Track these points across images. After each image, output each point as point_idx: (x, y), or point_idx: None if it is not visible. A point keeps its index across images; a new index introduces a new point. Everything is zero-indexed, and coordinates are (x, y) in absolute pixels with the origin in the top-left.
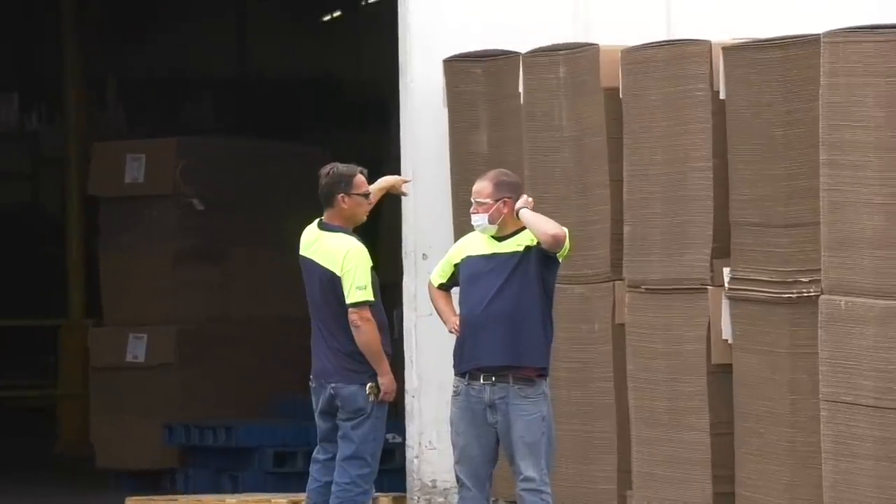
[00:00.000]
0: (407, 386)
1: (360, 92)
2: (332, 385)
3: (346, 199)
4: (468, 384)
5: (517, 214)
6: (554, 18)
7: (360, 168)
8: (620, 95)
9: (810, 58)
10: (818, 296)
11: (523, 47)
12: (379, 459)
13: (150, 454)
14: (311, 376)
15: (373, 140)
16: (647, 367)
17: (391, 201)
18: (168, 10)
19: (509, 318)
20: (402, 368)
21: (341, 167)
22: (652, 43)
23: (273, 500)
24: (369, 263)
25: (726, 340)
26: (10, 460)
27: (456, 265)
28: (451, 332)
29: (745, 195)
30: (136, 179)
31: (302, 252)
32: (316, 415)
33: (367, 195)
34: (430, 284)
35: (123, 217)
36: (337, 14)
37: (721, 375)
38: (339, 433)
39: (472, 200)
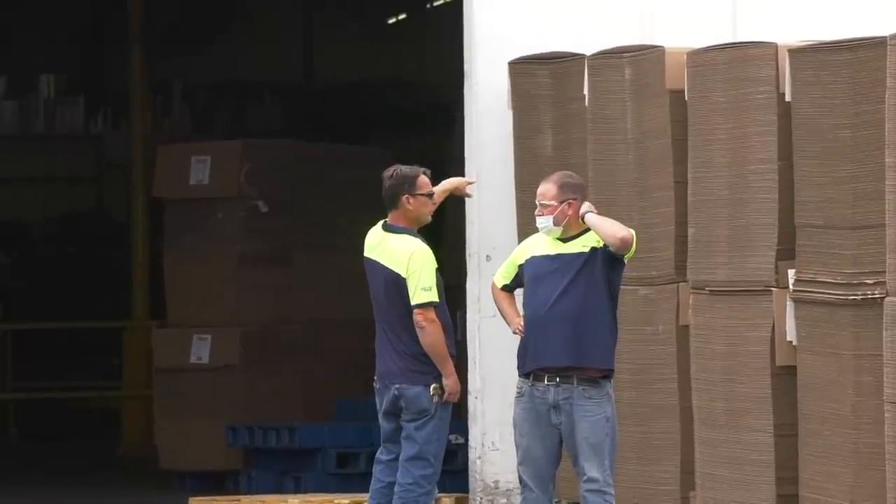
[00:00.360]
0: (470, 387)
1: (425, 94)
2: (397, 386)
3: (411, 200)
4: (532, 385)
5: (583, 219)
6: (619, 20)
7: (423, 169)
8: (685, 97)
9: (879, 59)
10: (883, 298)
11: (588, 49)
12: (442, 460)
13: (214, 456)
14: (376, 377)
15: (437, 142)
16: (711, 368)
17: (455, 203)
18: (234, 14)
19: (575, 319)
20: (466, 370)
21: (404, 168)
22: (717, 45)
23: (336, 501)
24: (434, 265)
25: (791, 342)
26: (75, 461)
27: (520, 266)
28: (514, 333)
29: (811, 197)
30: (201, 181)
31: (366, 254)
32: (380, 416)
33: (430, 195)
34: (493, 286)
35: (188, 219)
36: (402, 17)
37: (785, 377)
38: (403, 434)
39: (537, 202)
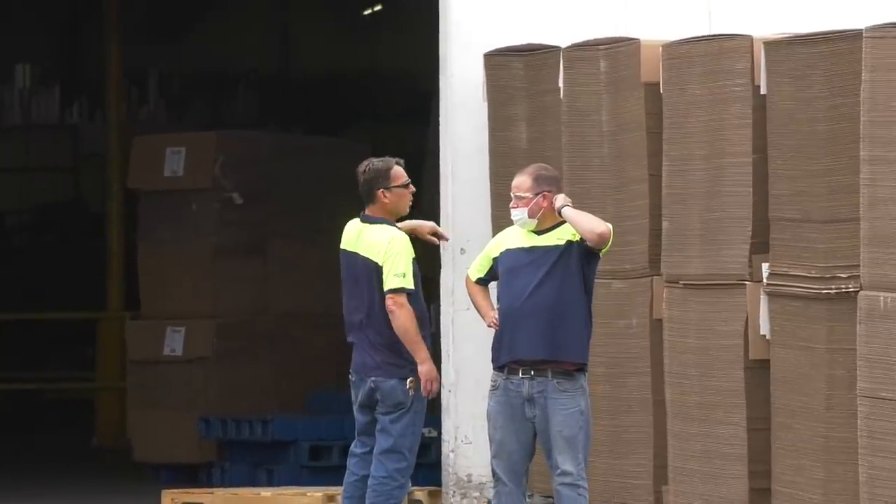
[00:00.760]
0: (444, 380)
1: (402, 86)
2: (373, 379)
3: (387, 194)
4: (507, 378)
5: (559, 213)
6: (595, 12)
7: (396, 160)
8: (661, 90)
9: (855, 52)
10: (857, 292)
11: (564, 41)
12: (416, 454)
13: (187, 447)
14: (351, 370)
15: (415, 134)
16: (684, 362)
17: (429, 196)
18: (210, 4)
19: (550, 312)
20: (440, 362)
21: (377, 162)
22: (693, 38)
23: (309, 494)
24: (411, 254)
25: (764, 336)
26: (49, 452)
27: (494, 259)
28: (489, 326)
29: (785, 190)
30: (176, 173)
31: (344, 246)
32: (355, 408)
33: (406, 185)
34: (467, 279)
35: (162, 210)
36: (378, 8)
37: (758, 371)
38: (378, 427)
39: (512, 195)
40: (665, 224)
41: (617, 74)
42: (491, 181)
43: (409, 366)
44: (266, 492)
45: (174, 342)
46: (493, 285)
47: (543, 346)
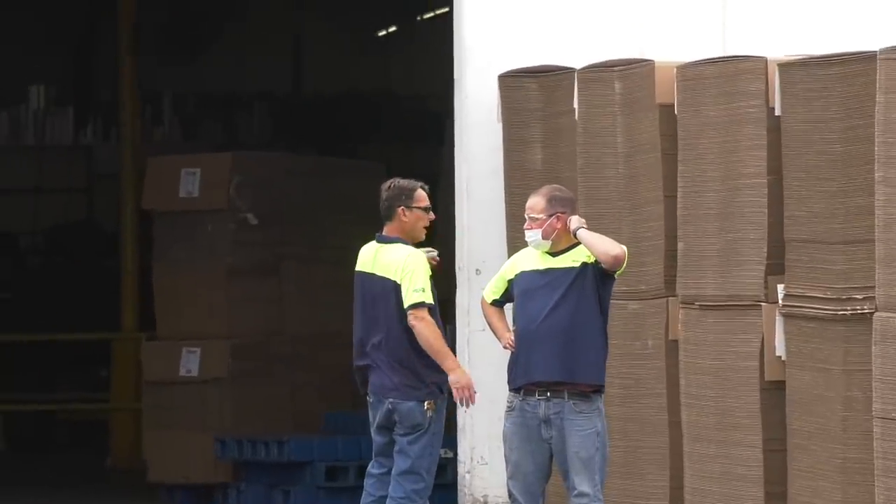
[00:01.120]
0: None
1: (416, 107)
2: (391, 400)
3: (406, 213)
4: (523, 399)
5: (574, 235)
6: (609, 34)
7: (420, 183)
8: (675, 112)
9: (869, 74)
10: (872, 313)
11: (578, 63)
12: (434, 475)
13: (203, 468)
14: (369, 391)
15: (428, 155)
16: (700, 383)
17: (444, 217)
18: (225, 25)
19: (566, 334)
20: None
21: (402, 181)
22: (707, 59)
23: None
24: (428, 270)
25: (779, 357)
26: (63, 473)
27: (509, 281)
28: (505, 348)
29: (800, 212)
30: (191, 194)
31: (360, 268)
32: (372, 429)
33: (427, 209)
34: (483, 301)
35: (177, 231)
36: (392, 29)
37: (774, 392)
38: (396, 448)
39: (526, 216)
40: (680, 245)
41: (631, 96)
42: (506, 202)
43: (427, 388)
44: None
45: (190, 363)
46: (508, 306)
47: (559, 368)
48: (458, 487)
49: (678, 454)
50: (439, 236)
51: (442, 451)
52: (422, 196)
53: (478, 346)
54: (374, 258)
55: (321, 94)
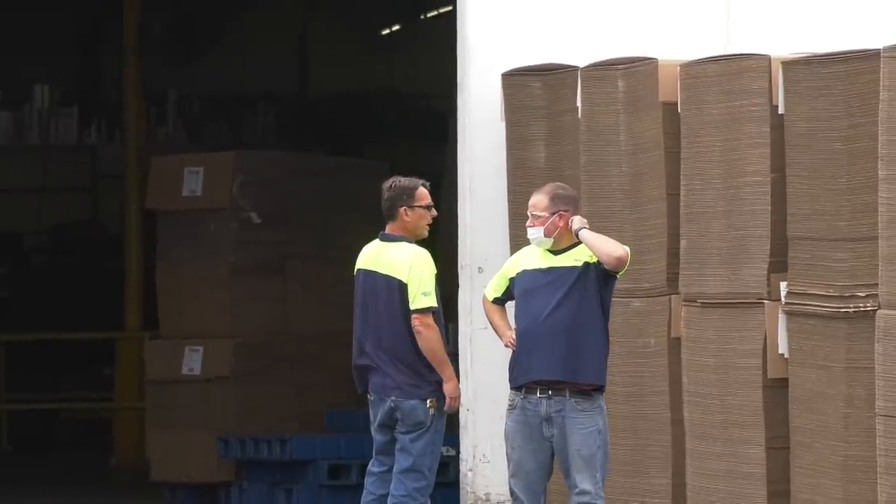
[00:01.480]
0: (462, 399)
1: (420, 105)
2: (393, 398)
3: (409, 212)
4: (524, 398)
5: (577, 235)
6: (613, 32)
7: (422, 181)
8: (678, 110)
9: (872, 72)
10: (875, 310)
11: (582, 61)
12: (435, 473)
13: (206, 467)
14: (370, 389)
15: (432, 153)
16: (703, 381)
17: (447, 215)
18: (229, 25)
19: (568, 333)
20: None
21: (403, 180)
22: (710, 57)
23: None
24: (434, 271)
25: (782, 355)
26: (67, 472)
27: (511, 279)
28: (506, 346)
29: (803, 210)
30: (194, 193)
31: (362, 266)
32: (373, 428)
33: (429, 207)
34: (484, 299)
35: (181, 230)
36: (396, 28)
37: (777, 390)
38: (398, 446)
39: (528, 213)
40: (683, 243)
41: (635, 94)
42: (509, 200)
43: (429, 386)
44: None
45: (193, 362)
46: (510, 304)
47: (561, 367)
48: (461, 485)
49: (680, 452)
50: (442, 234)
51: (444, 450)
52: (423, 194)
53: (480, 344)
54: (377, 256)
55: (325, 94)
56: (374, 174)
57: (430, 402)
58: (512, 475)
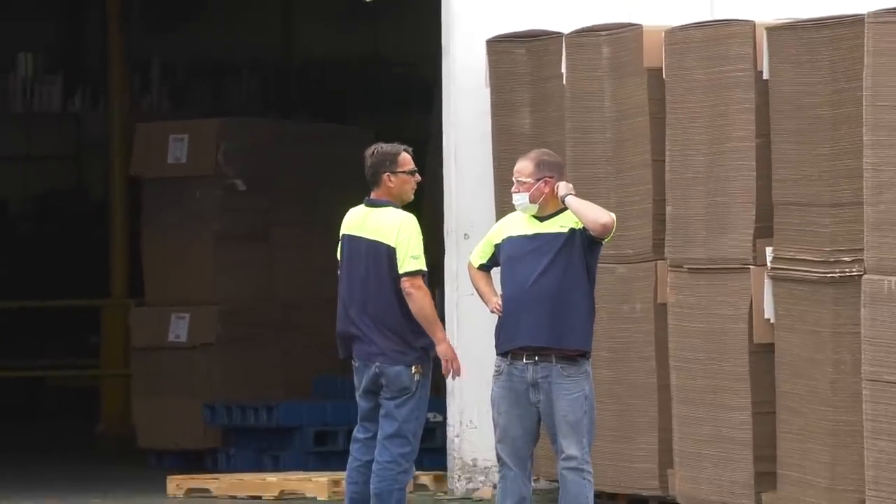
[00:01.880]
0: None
1: (405, 72)
2: (377, 364)
3: (392, 178)
4: (510, 364)
5: (562, 201)
6: None
7: (404, 146)
8: (663, 76)
9: (857, 37)
10: (861, 275)
11: (566, 28)
12: (420, 439)
13: (192, 434)
14: (354, 356)
15: (417, 120)
16: (689, 346)
17: (432, 181)
18: None
19: (553, 299)
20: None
21: (385, 146)
22: (695, 23)
23: (314, 479)
24: (421, 235)
25: (768, 320)
26: (53, 440)
27: (496, 245)
28: (492, 312)
29: (789, 175)
30: (179, 160)
31: (347, 231)
32: (357, 394)
33: (412, 172)
34: (469, 265)
35: (166, 197)
36: None
37: (763, 355)
38: (382, 412)
39: (514, 179)
40: (668, 209)
41: (619, 60)
42: (494, 167)
43: (415, 353)
44: (272, 477)
45: (178, 329)
46: (495, 270)
47: (547, 333)
48: (448, 451)
49: (667, 417)
50: (427, 201)
51: (430, 416)
52: (406, 159)
53: (466, 310)
54: (362, 221)
55: (310, 61)
56: (358, 141)
57: (416, 368)
58: (498, 441)
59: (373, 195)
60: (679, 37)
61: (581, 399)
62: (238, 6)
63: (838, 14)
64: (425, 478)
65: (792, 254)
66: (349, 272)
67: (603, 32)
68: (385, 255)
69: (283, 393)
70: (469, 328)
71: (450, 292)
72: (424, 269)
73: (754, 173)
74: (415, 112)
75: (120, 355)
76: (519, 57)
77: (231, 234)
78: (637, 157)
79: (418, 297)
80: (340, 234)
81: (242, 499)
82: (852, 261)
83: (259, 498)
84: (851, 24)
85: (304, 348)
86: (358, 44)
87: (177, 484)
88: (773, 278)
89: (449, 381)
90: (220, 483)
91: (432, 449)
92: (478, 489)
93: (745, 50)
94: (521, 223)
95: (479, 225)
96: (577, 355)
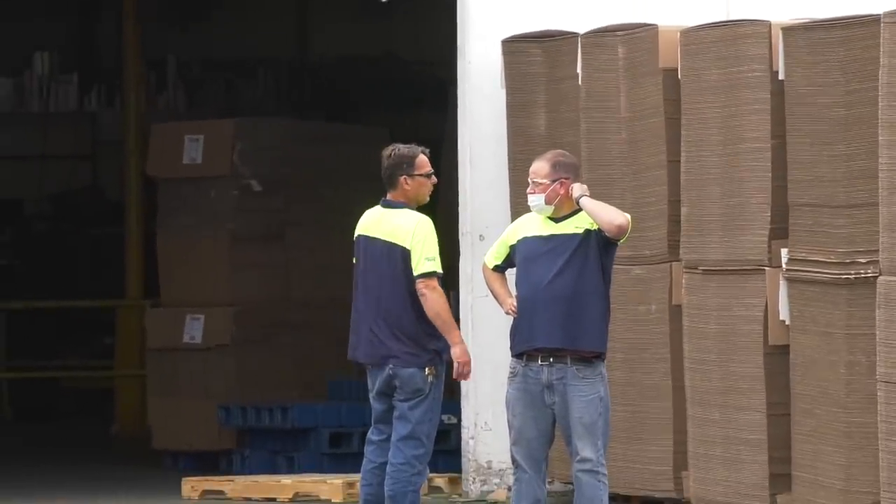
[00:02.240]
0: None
1: (421, 72)
2: (391, 366)
3: (409, 180)
4: (526, 365)
5: (577, 203)
6: None
7: (421, 148)
8: (678, 76)
9: (872, 38)
10: (876, 277)
11: (582, 28)
12: (434, 440)
13: (207, 435)
14: (367, 359)
15: (432, 120)
16: (704, 347)
17: (447, 183)
18: None
19: (569, 300)
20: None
21: (402, 148)
22: (710, 23)
23: (328, 481)
24: (436, 237)
25: (783, 321)
26: (68, 440)
27: (511, 246)
28: (507, 313)
29: (804, 176)
30: (194, 160)
31: (362, 232)
32: (371, 396)
33: (429, 175)
34: (484, 266)
35: (181, 198)
36: None
37: (778, 356)
38: (396, 413)
39: (529, 181)
40: (684, 210)
41: (635, 60)
42: (509, 168)
43: (428, 355)
44: (286, 479)
45: (193, 330)
46: (510, 272)
47: (562, 335)
48: (462, 453)
49: (682, 419)
50: (442, 202)
51: (445, 418)
52: (423, 162)
53: (481, 312)
54: (378, 222)
55: (325, 60)
56: (373, 140)
57: (430, 370)
58: (513, 443)
59: (389, 196)
60: (694, 37)
61: (596, 401)
62: (253, 5)
63: (853, 14)
64: (440, 480)
65: (806, 255)
66: (364, 273)
67: (618, 33)
68: (400, 256)
69: (297, 394)
70: (484, 330)
71: (464, 294)
72: (440, 270)
73: (769, 174)
74: (430, 111)
75: (135, 356)
76: (534, 57)
77: (246, 235)
78: (652, 158)
79: (433, 299)
80: (356, 236)
81: (257, 500)
82: (867, 262)
83: (273, 500)
84: (866, 25)
85: (320, 349)
86: (373, 43)
87: (192, 486)
88: (788, 279)
89: (463, 383)
90: (234, 485)
91: (447, 451)
92: (492, 491)
93: (761, 50)
94: (536, 224)
95: (494, 226)
96: (592, 357)
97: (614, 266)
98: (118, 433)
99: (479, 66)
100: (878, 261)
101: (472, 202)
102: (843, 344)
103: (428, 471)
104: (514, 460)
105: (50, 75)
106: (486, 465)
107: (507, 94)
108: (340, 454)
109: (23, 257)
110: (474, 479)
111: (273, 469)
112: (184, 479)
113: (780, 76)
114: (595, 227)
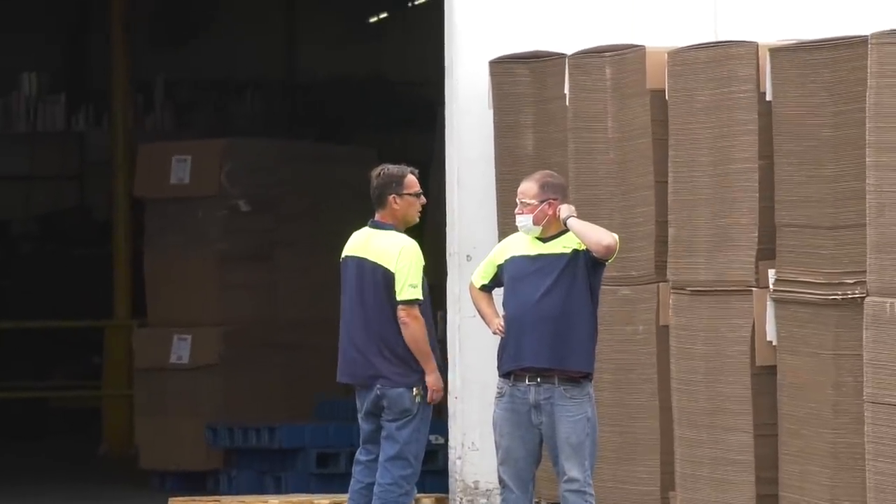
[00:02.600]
0: (450, 387)
1: (408, 93)
2: (379, 387)
3: (398, 200)
4: (513, 385)
5: (565, 224)
6: (600, 20)
7: (410, 168)
8: (666, 97)
9: (860, 59)
10: (863, 298)
11: (569, 49)
12: (422, 461)
13: (194, 455)
14: (355, 380)
15: (421, 141)
16: (691, 368)
17: (435, 203)
18: (217, 12)
19: (556, 320)
20: (446, 370)
21: (391, 168)
22: (698, 44)
23: (316, 501)
24: (422, 262)
25: (770, 342)
26: (56, 460)
27: (499, 266)
28: (494, 333)
29: (791, 197)
30: (182, 181)
31: (350, 253)
32: (360, 416)
33: (418, 195)
34: (471, 286)
35: (169, 218)
36: (384, 16)
37: (765, 377)
38: (383, 433)
39: (517, 201)
40: (671, 231)
41: (622, 81)
42: (497, 188)
43: (416, 374)
44: (274, 499)
45: (181, 350)
46: (497, 292)
47: (549, 354)
48: (449, 473)
49: (669, 439)
50: (430, 222)
51: (433, 438)
52: (412, 182)
53: (468, 332)
54: (366, 243)
55: (313, 81)
56: (361, 161)
57: (417, 390)
58: (501, 463)
59: (377, 216)
60: (682, 58)
61: (583, 421)
62: (242, 26)
63: (841, 35)
64: (427, 500)
65: (794, 276)
66: (352, 294)
67: (606, 53)
68: (384, 278)
69: (285, 414)
70: (471, 350)
71: (452, 314)
72: (421, 298)
73: (757, 195)
74: (418, 132)
75: (123, 376)
76: (522, 78)
77: (234, 255)
78: (640, 179)
79: (413, 327)
80: (343, 256)
81: None
82: (855, 283)
83: None
84: (854, 46)
85: (308, 370)
86: (361, 63)
87: None
88: (776, 300)
89: (451, 403)
90: None
91: (434, 471)
92: None
93: (748, 71)
94: (523, 244)
95: (481, 247)
96: (579, 377)
97: (602, 286)
98: (106, 453)
99: (467, 86)
100: (865, 282)
101: (460, 222)
102: (830, 365)
103: (415, 491)
104: (501, 480)
105: (38, 95)
106: (473, 486)
107: (495, 114)
108: (328, 474)
109: (10, 277)
110: (461, 499)
111: (260, 489)
112: (171, 499)
113: (768, 97)
114: (583, 247)
